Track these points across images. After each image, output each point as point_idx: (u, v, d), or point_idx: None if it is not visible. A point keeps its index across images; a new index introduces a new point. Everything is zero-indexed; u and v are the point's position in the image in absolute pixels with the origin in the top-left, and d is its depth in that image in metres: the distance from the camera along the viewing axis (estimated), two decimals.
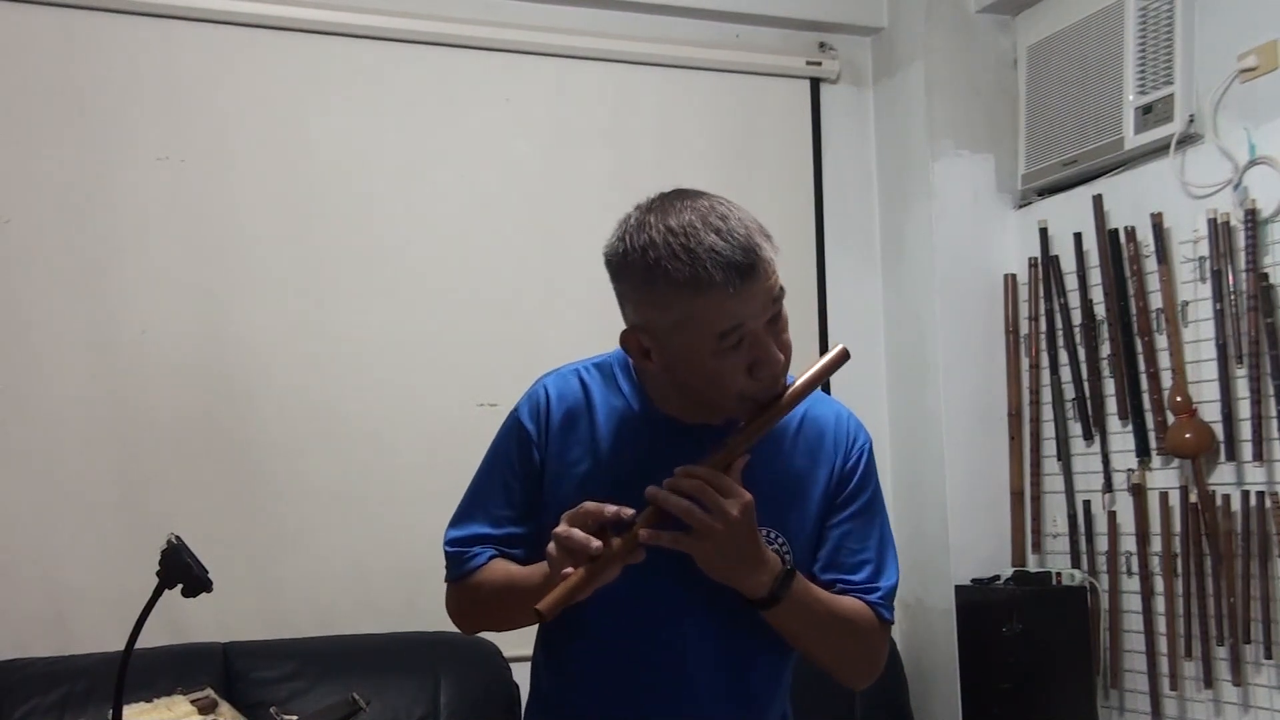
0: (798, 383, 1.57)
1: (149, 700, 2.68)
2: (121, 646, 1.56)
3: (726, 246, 1.45)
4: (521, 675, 3.05)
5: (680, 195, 1.52)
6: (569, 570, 1.44)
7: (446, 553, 1.70)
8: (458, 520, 1.71)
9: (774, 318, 1.51)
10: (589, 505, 1.47)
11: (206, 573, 1.58)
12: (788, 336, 1.55)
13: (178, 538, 1.58)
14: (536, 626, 1.75)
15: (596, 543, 1.44)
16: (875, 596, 1.64)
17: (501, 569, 1.64)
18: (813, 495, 1.65)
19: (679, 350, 1.52)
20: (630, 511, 1.47)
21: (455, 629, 3.06)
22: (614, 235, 1.54)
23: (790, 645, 1.65)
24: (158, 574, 1.56)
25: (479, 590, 1.66)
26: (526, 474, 1.65)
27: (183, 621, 2.97)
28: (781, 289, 1.51)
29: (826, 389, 1.77)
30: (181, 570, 1.56)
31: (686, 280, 1.45)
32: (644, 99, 3.63)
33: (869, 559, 1.65)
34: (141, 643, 1.57)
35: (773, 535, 1.58)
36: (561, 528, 1.47)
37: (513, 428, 1.68)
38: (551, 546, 1.47)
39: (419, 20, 3.40)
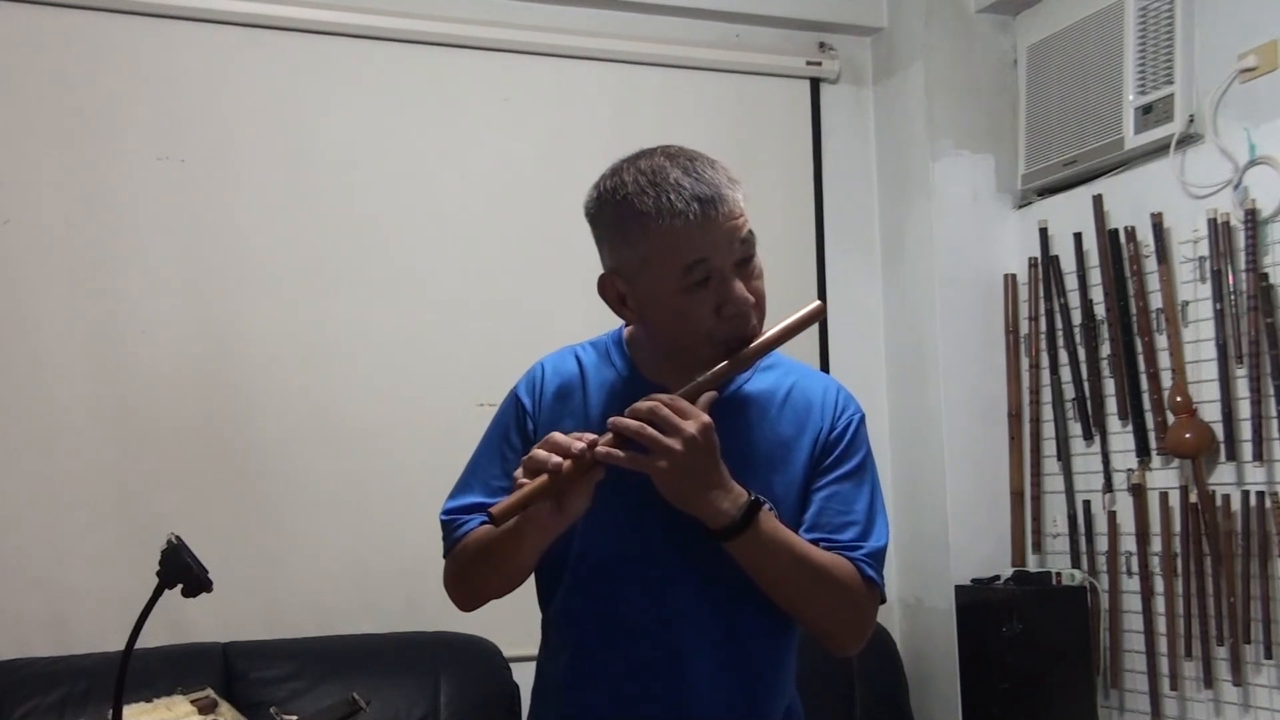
0: (770, 331, 1.60)
1: (149, 700, 2.68)
2: (121, 646, 1.56)
3: (690, 180, 1.53)
4: (521, 675, 3.05)
5: (655, 147, 1.61)
6: (525, 480, 1.48)
7: (441, 522, 1.72)
8: (455, 492, 1.74)
9: (744, 262, 1.57)
10: (555, 435, 1.51)
11: (206, 573, 1.57)
12: (760, 285, 1.59)
13: (178, 538, 1.58)
14: (539, 621, 1.75)
15: (556, 458, 1.47)
16: (859, 554, 1.62)
17: (489, 529, 1.64)
18: (798, 461, 1.65)
19: (649, 289, 1.57)
20: (592, 437, 1.50)
21: (455, 630, 3.07)
22: (591, 187, 1.62)
23: (786, 617, 1.64)
24: (158, 574, 1.56)
25: (466, 551, 1.67)
26: (522, 444, 1.68)
27: (183, 621, 2.97)
28: (751, 233, 1.57)
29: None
30: (181, 570, 1.56)
31: (650, 211, 1.52)
32: (644, 99, 3.62)
33: (855, 521, 1.64)
34: (141, 643, 1.56)
35: (759, 499, 1.58)
36: (529, 453, 1.51)
37: (510, 403, 1.74)
38: (518, 471, 1.51)
39: (419, 20, 3.40)
